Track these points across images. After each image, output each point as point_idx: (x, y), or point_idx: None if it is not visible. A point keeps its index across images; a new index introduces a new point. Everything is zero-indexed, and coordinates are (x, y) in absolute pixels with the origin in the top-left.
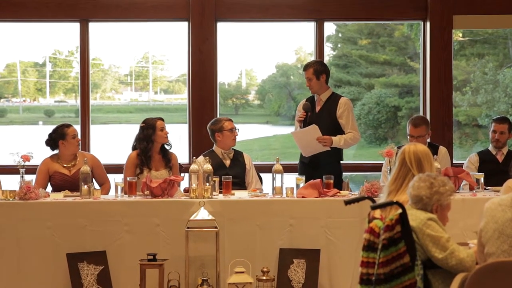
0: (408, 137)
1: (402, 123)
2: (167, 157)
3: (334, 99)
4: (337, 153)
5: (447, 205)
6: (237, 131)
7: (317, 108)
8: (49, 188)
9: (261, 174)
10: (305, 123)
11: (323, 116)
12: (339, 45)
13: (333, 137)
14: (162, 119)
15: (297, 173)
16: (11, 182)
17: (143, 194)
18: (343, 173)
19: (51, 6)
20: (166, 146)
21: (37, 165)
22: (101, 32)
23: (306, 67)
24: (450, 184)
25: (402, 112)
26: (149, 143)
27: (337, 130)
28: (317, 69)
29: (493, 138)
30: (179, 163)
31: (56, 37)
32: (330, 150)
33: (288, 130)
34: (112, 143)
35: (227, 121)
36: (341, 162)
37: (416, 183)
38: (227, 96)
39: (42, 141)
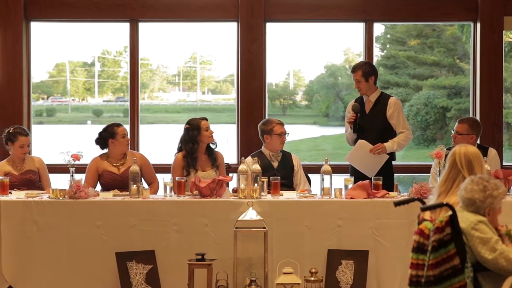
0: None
1: (450, 124)
2: (213, 157)
3: (383, 99)
4: (390, 153)
5: (498, 208)
6: (286, 135)
7: (367, 110)
8: (98, 187)
9: (309, 175)
10: (355, 124)
11: (373, 118)
12: (387, 46)
13: (385, 144)
14: (206, 119)
15: (347, 174)
16: (61, 181)
17: (192, 194)
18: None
19: (101, 7)
20: (211, 145)
21: (87, 164)
22: (149, 32)
23: (355, 69)
24: (502, 187)
25: (451, 113)
26: (194, 144)
27: (389, 130)
28: (366, 71)
29: None
30: (227, 163)
31: (105, 37)
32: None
33: (335, 131)
34: (160, 143)
35: (278, 124)
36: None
37: (469, 186)
38: (274, 97)
39: (91, 140)
